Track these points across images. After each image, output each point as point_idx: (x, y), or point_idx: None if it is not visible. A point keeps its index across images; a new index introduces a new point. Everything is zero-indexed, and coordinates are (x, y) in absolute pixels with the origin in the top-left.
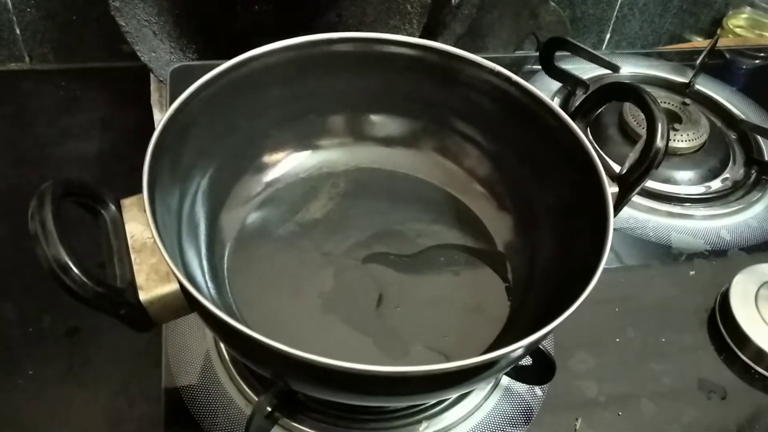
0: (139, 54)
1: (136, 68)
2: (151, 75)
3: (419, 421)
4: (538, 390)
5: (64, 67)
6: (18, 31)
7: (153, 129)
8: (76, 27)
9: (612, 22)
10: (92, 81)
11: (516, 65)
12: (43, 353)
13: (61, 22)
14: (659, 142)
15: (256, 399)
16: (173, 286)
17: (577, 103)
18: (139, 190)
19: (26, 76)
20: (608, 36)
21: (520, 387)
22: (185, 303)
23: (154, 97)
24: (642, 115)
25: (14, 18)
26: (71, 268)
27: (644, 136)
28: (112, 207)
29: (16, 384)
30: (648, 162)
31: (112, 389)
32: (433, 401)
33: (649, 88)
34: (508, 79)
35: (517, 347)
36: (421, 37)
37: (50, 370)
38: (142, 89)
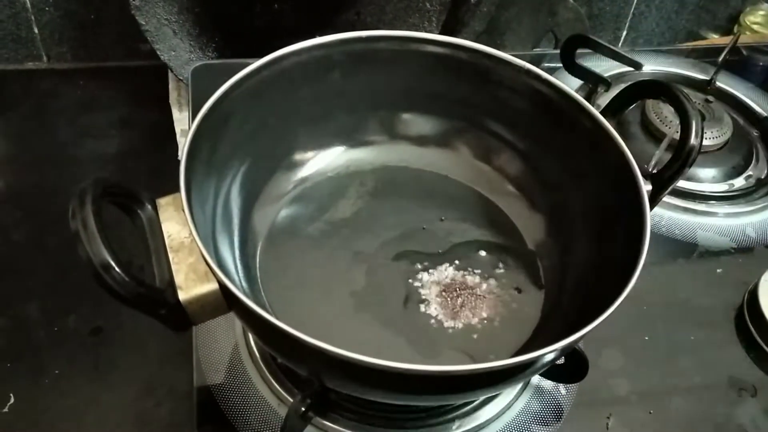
0: (158, 53)
1: (154, 67)
2: (170, 74)
3: (452, 420)
4: (567, 388)
5: (82, 66)
6: (36, 30)
7: (172, 128)
8: (94, 26)
9: (629, 19)
10: (110, 80)
11: (534, 63)
12: (68, 353)
13: (80, 22)
14: (693, 140)
15: (288, 397)
16: (212, 286)
17: (607, 101)
18: (167, 189)
19: (44, 76)
20: (624, 33)
21: (551, 385)
22: (223, 303)
23: (173, 96)
24: (665, 113)
25: (33, 17)
26: (113, 268)
27: (669, 134)
28: (149, 207)
29: (42, 384)
30: (682, 160)
31: (138, 388)
32: (465, 401)
33: None
34: (538, 77)
35: (553, 349)
36: (440, 35)
37: (76, 370)
38: (160, 88)
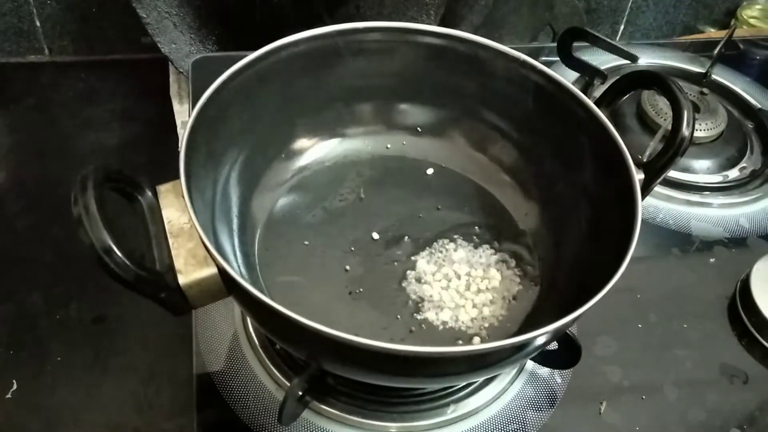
0: (159, 45)
1: (155, 60)
2: (170, 66)
3: (446, 405)
4: (561, 374)
5: (83, 60)
6: (38, 24)
7: (172, 120)
8: (96, 19)
9: (626, 13)
10: (111, 73)
11: (532, 56)
12: (70, 340)
13: (81, 15)
14: (685, 130)
15: (286, 382)
16: (211, 270)
17: (602, 92)
18: (167, 180)
19: (46, 69)
20: (622, 27)
21: (544, 372)
22: (222, 287)
23: (173, 89)
24: (661, 105)
25: (34, 10)
26: (114, 252)
27: (664, 125)
28: (149, 193)
29: (44, 370)
30: (674, 149)
31: (139, 376)
32: (460, 384)
33: None
34: (533, 68)
35: (544, 332)
36: None
37: (78, 357)
38: (161, 81)
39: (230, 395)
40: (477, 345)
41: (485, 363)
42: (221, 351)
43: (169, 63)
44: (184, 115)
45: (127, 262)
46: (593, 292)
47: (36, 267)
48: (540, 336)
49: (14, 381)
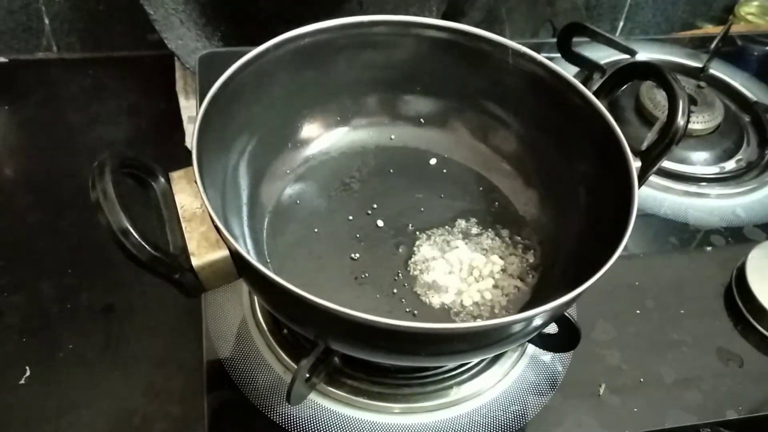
0: (166, 41)
1: (161, 57)
2: (177, 63)
3: (450, 387)
4: (561, 359)
5: (91, 56)
6: (47, 21)
7: (179, 115)
8: (103, 17)
9: (626, 9)
10: (119, 70)
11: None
12: (81, 329)
13: (89, 12)
14: (680, 119)
15: (293, 364)
16: (223, 253)
17: (599, 84)
18: (177, 168)
19: (54, 65)
20: (622, 24)
21: (546, 356)
22: (233, 268)
23: (180, 85)
24: (659, 98)
25: (43, 8)
26: (132, 234)
27: (662, 118)
28: (162, 179)
29: (56, 357)
30: (669, 137)
31: (148, 362)
32: (472, 361)
33: None
34: (533, 59)
35: (543, 310)
36: None
37: (89, 345)
38: (167, 77)
39: (239, 379)
40: (477, 322)
41: (486, 341)
42: (230, 336)
43: (175, 59)
44: (190, 110)
45: (144, 243)
46: (590, 277)
47: (47, 258)
48: (538, 315)
49: (27, 368)
